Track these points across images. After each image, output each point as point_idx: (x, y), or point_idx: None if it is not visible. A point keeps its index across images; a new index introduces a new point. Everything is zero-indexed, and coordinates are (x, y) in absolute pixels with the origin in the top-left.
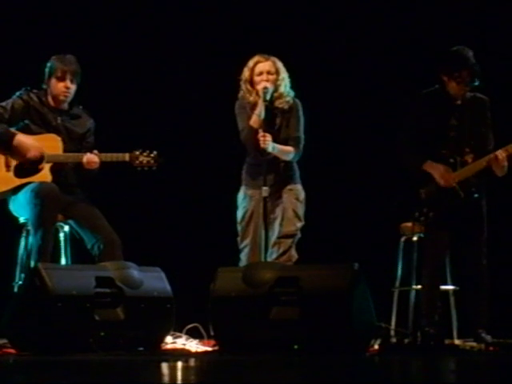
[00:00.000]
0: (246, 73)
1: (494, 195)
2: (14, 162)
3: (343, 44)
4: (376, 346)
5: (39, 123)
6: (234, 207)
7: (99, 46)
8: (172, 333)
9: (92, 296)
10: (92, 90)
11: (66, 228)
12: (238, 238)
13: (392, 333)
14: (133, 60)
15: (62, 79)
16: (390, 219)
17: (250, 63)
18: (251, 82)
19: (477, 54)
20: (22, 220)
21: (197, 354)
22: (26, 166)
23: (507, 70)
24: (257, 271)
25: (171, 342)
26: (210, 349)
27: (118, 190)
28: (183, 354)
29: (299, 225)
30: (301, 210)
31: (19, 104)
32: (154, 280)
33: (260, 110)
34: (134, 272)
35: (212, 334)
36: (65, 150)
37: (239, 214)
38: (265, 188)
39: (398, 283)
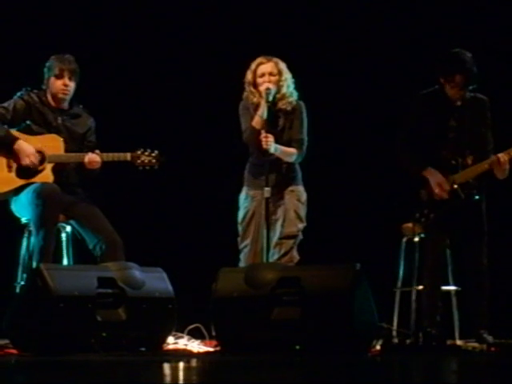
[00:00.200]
0: (249, 75)
1: (493, 195)
2: (15, 163)
3: (343, 45)
4: (378, 347)
5: (40, 123)
6: (236, 207)
7: (101, 46)
8: (174, 333)
9: (94, 296)
10: (94, 89)
11: (68, 228)
12: (239, 239)
13: (394, 333)
14: (135, 60)
15: (60, 77)
16: (391, 220)
17: (253, 65)
18: (254, 84)
19: (477, 54)
20: (23, 220)
21: (199, 355)
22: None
23: (507, 69)
24: (258, 272)
25: (173, 343)
26: (211, 349)
27: (119, 190)
28: (185, 355)
29: (301, 226)
30: (302, 212)
31: (21, 104)
32: (155, 280)
33: (262, 111)
34: (136, 272)
35: (214, 334)
36: (66, 150)
37: (240, 214)
38: (267, 189)
39: (399, 284)
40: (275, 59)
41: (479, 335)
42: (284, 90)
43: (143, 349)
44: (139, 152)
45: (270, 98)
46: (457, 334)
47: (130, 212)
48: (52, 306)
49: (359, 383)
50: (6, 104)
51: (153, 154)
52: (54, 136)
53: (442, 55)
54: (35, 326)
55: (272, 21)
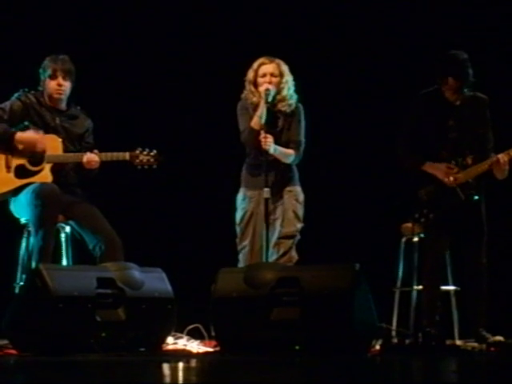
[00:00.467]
0: (250, 74)
1: (493, 195)
2: (14, 163)
3: (344, 47)
4: (377, 347)
5: (38, 124)
6: (234, 208)
7: (99, 46)
8: (173, 333)
9: (93, 297)
10: (92, 89)
11: (67, 229)
12: (237, 240)
13: (393, 333)
14: (133, 59)
15: (54, 77)
16: (390, 220)
17: (255, 65)
18: (255, 84)
19: (477, 54)
20: (23, 221)
21: (198, 355)
22: (29, 164)
23: (507, 69)
24: (258, 272)
25: (172, 343)
26: (211, 349)
27: (118, 190)
28: (184, 355)
29: (299, 226)
30: (300, 212)
31: (18, 105)
32: (155, 281)
33: (261, 112)
34: (135, 273)
35: (213, 334)
36: (64, 151)
37: (238, 215)
38: (266, 189)
39: (399, 283)
40: (278, 60)
41: (478, 333)
42: (285, 92)
43: (143, 349)
44: (138, 151)
45: (270, 99)
46: (456, 334)
47: (129, 212)
48: (51, 307)
49: (359, 383)
50: (2, 105)
51: (151, 154)
52: (52, 136)
53: (437, 57)
54: (35, 327)
55: (272, 21)
